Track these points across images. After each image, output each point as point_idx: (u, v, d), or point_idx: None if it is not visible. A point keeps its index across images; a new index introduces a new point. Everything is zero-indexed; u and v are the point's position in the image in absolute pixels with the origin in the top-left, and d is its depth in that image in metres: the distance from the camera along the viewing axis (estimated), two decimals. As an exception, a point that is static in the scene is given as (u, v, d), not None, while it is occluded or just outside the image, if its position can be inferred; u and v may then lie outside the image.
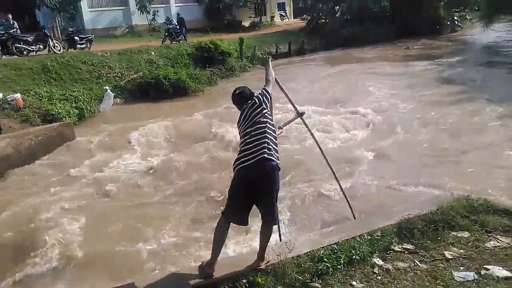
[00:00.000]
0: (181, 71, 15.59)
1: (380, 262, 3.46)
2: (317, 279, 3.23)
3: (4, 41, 13.66)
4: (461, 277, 3.19)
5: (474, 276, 3.19)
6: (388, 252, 3.59)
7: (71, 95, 12.20)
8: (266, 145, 3.21)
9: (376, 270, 3.36)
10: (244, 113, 3.45)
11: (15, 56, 13.87)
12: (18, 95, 10.42)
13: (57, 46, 15.22)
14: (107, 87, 13.47)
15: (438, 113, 10.79)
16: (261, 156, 3.15)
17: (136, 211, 6.53)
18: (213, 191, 6.86)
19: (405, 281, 3.20)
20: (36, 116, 10.18)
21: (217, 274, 3.35)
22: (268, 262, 3.42)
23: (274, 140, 3.32)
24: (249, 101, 3.49)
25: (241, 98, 3.55)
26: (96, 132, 10.59)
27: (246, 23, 30.25)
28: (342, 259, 3.39)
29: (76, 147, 9.53)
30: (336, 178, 4.86)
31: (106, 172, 8.00)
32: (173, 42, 19.92)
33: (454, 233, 3.82)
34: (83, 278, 4.97)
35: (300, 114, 4.51)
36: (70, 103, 11.72)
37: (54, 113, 10.54)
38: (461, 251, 3.56)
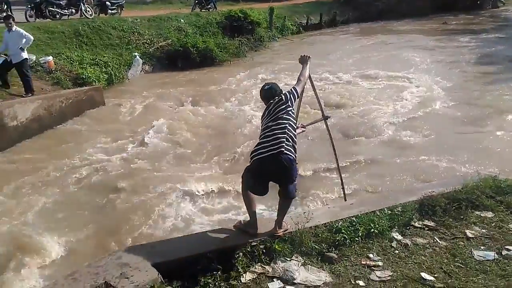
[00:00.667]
0: (209, 40, 15.48)
1: (399, 237, 3.44)
2: (333, 249, 3.27)
3: (38, 4, 13.89)
4: (480, 256, 3.15)
5: (494, 255, 3.14)
6: (408, 227, 3.56)
7: (101, 60, 12.36)
8: (284, 140, 3.24)
9: (394, 244, 3.36)
10: (269, 108, 3.48)
11: (48, 20, 14.11)
12: (50, 58, 10.61)
13: (88, 11, 15.39)
14: (136, 54, 13.59)
15: (478, 90, 10.53)
16: (279, 150, 3.20)
17: (168, 170, 6.73)
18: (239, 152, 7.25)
19: (422, 257, 3.19)
20: (67, 79, 10.39)
21: (234, 239, 3.42)
22: (286, 230, 3.46)
23: (294, 138, 3.35)
24: (276, 97, 3.51)
25: (270, 93, 3.58)
26: (124, 97, 10.78)
27: (277, -8, 29.51)
28: (360, 231, 3.39)
29: (104, 110, 9.77)
30: (337, 160, 4.89)
31: (134, 135, 8.18)
32: (202, 10, 19.73)
33: (477, 212, 3.76)
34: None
35: (325, 117, 4.63)
36: (100, 68, 11.88)
37: (84, 77, 10.73)
38: (483, 230, 3.50)
